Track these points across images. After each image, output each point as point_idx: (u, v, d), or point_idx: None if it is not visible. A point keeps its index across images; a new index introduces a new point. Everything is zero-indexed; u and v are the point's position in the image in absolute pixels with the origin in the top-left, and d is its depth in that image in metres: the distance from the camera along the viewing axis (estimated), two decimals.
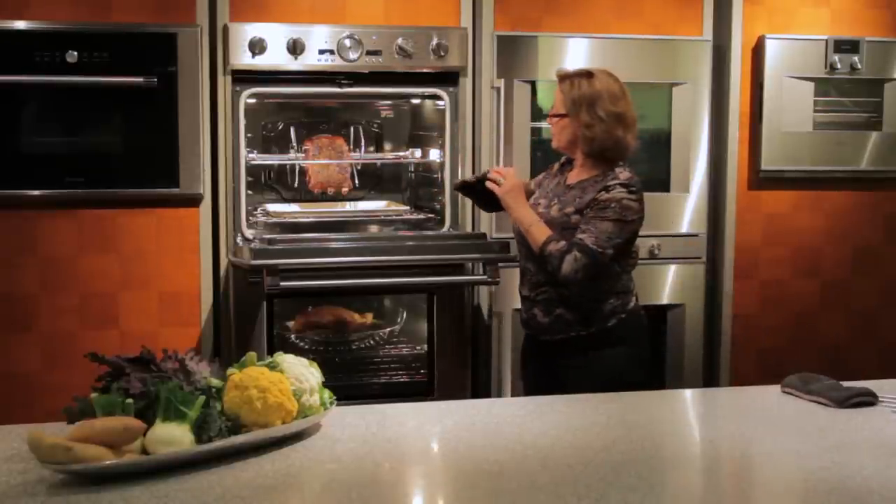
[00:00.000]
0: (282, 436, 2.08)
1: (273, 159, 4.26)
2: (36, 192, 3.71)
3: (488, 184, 3.21)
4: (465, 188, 3.44)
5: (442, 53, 3.92)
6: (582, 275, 2.96)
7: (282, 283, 3.53)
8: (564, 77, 3.15)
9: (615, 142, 3.06)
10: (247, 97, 3.83)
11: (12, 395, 3.71)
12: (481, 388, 4.08)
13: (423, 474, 2.07)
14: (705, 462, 2.13)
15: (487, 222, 4.04)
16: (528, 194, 3.33)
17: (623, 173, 3.05)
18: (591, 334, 3.07)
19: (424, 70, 3.96)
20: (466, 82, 4.02)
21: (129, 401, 1.97)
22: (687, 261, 4.27)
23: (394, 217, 4.15)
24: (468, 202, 4.05)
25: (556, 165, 3.30)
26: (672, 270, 4.25)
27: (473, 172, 4.00)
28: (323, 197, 4.27)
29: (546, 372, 3.15)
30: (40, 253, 3.74)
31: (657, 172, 4.17)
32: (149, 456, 1.91)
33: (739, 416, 2.39)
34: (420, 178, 4.33)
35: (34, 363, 3.75)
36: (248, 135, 3.97)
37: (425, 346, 3.97)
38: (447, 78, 4.00)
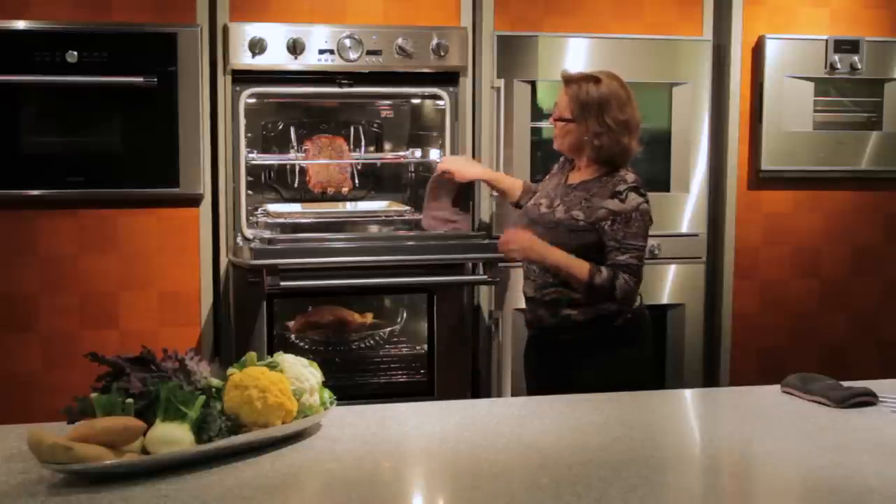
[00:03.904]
0: (282, 436, 2.08)
1: (273, 159, 4.26)
2: (36, 192, 3.71)
3: (508, 255, 3.19)
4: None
5: (442, 53, 3.92)
6: (635, 292, 3.02)
7: (282, 283, 3.53)
8: (570, 80, 3.11)
9: (622, 149, 3.06)
10: (247, 97, 3.84)
11: (12, 395, 3.71)
12: (481, 388, 4.08)
13: (423, 474, 2.07)
14: (705, 462, 2.13)
15: (487, 222, 4.05)
16: (529, 194, 3.33)
17: (629, 175, 3.05)
18: (598, 335, 3.07)
19: (424, 70, 3.96)
20: (466, 82, 4.02)
21: (129, 401, 1.97)
22: (687, 261, 4.27)
23: (394, 217, 4.15)
24: (468, 202, 4.05)
25: (556, 165, 3.30)
26: (672, 270, 4.25)
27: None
28: (323, 197, 4.27)
29: (552, 372, 3.15)
30: (40, 253, 3.74)
31: (657, 172, 4.17)
32: (149, 456, 1.91)
33: (739, 416, 2.39)
34: (420, 178, 4.33)
35: (34, 363, 3.75)
36: (248, 135, 3.97)
37: (425, 346, 3.97)
38: (447, 78, 4.00)
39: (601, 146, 3.05)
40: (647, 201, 3.03)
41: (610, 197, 3.01)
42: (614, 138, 3.04)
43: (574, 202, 3.07)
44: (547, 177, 3.33)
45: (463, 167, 3.83)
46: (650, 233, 3.07)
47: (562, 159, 3.28)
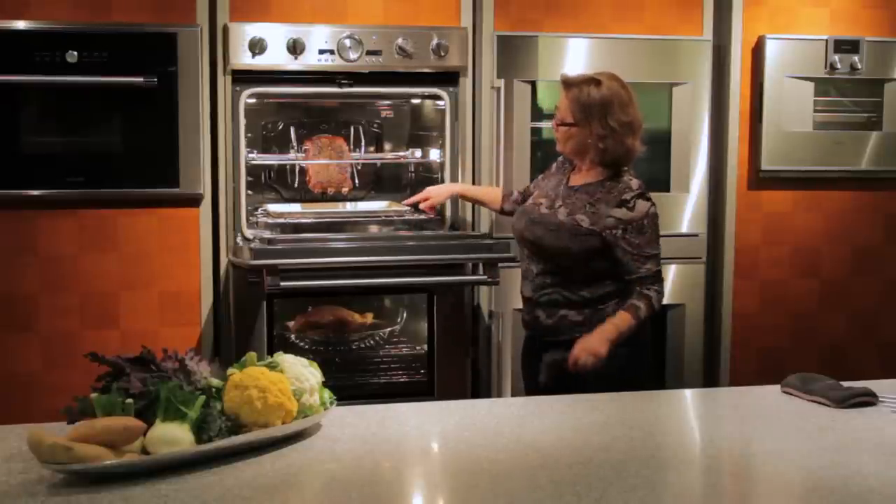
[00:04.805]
0: (282, 436, 2.08)
1: (273, 159, 4.26)
2: (36, 192, 3.71)
3: (580, 365, 2.97)
4: None
5: (442, 53, 3.92)
6: (663, 296, 3.08)
7: (282, 283, 3.53)
8: (570, 83, 3.08)
9: (626, 150, 3.05)
10: (247, 97, 3.84)
11: (12, 395, 3.72)
12: (481, 388, 4.08)
13: (423, 474, 2.07)
14: (705, 462, 2.13)
15: (487, 222, 4.05)
16: (527, 197, 3.32)
17: (633, 180, 3.05)
18: None
19: (424, 70, 3.96)
20: (466, 82, 4.02)
21: (129, 401, 1.97)
22: (687, 261, 4.27)
23: (394, 217, 4.15)
24: (468, 202, 4.05)
25: (554, 165, 3.29)
26: (672, 270, 4.25)
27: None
28: (323, 197, 4.27)
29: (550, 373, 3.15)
30: (40, 253, 3.74)
31: (657, 172, 4.16)
32: (149, 456, 1.91)
33: (739, 416, 2.39)
34: (420, 178, 4.33)
35: (34, 363, 3.75)
36: (248, 135, 3.97)
37: (425, 346, 3.97)
38: (447, 78, 4.00)
39: (606, 149, 3.03)
40: (654, 204, 3.03)
41: (617, 206, 3.00)
42: (618, 140, 3.02)
43: (577, 206, 3.05)
44: (542, 176, 3.33)
45: (434, 192, 3.85)
46: None
47: (560, 159, 3.26)
